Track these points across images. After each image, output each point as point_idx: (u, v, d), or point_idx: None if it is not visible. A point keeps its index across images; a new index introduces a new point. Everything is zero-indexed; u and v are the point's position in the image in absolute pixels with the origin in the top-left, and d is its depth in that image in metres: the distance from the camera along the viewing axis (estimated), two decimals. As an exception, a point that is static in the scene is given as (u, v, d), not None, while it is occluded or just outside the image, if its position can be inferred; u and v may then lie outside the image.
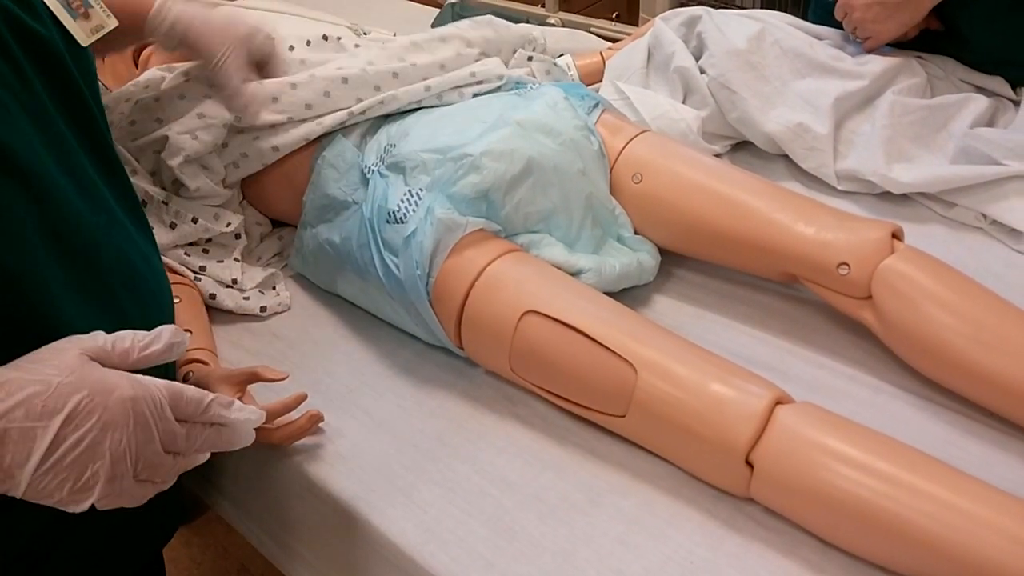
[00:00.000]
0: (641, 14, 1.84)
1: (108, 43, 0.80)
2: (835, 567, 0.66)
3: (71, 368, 0.49)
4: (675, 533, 0.71)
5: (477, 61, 1.05)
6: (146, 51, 1.08)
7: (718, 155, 1.14)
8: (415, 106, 0.99)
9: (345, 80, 0.97)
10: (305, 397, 0.79)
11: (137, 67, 1.09)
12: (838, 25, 1.16)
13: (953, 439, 0.75)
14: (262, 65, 0.91)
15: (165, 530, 0.81)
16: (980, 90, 1.11)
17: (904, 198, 1.02)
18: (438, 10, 1.64)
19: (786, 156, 1.10)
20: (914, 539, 0.61)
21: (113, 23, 0.68)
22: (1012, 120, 1.06)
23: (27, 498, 0.48)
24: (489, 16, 1.15)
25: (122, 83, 0.98)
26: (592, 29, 1.76)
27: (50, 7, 0.63)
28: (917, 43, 1.15)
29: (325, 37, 1.07)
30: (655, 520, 0.72)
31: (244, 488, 0.90)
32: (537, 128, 0.89)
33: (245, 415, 0.58)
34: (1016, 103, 1.09)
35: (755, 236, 0.86)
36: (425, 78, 1.00)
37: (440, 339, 0.85)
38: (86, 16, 0.66)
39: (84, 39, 0.65)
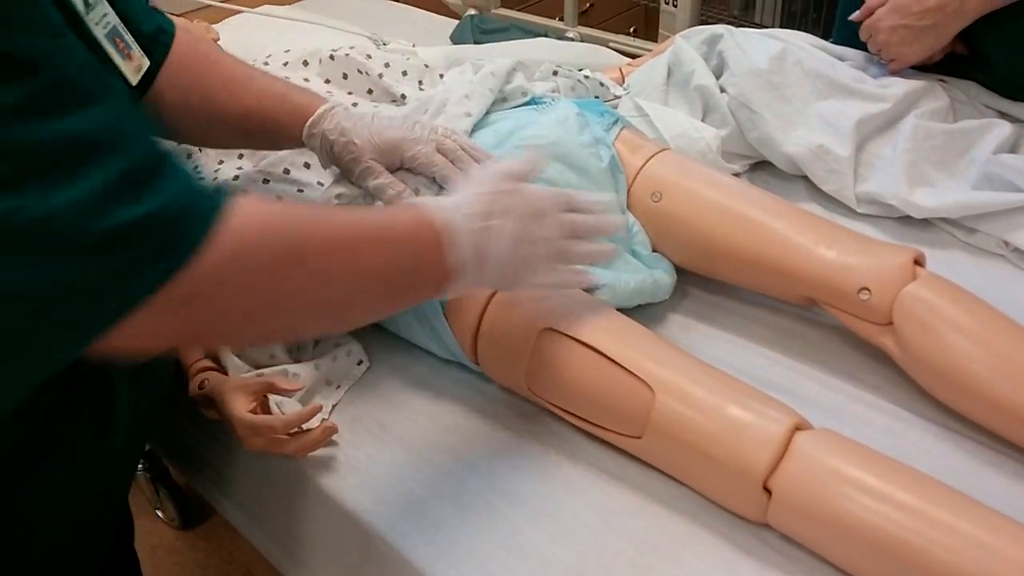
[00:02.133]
0: (660, 30, 1.84)
1: (267, 140, 0.82)
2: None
3: None
4: (689, 557, 0.70)
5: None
6: None
7: (737, 174, 1.13)
8: None
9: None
10: (320, 409, 0.79)
11: None
12: (862, 46, 1.16)
13: (974, 469, 0.74)
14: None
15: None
16: (1004, 116, 1.11)
17: (925, 223, 1.02)
18: (457, 21, 1.64)
19: (806, 177, 1.10)
20: (932, 571, 0.60)
21: (147, 62, 0.70)
22: (1034, 147, 1.05)
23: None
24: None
25: None
26: (611, 44, 1.77)
27: (106, 50, 0.64)
28: (941, 66, 1.14)
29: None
30: (669, 543, 0.71)
31: (253, 495, 0.89)
32: (543, 147, 0.89)
33: None
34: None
35: (774, 258, 0.85)
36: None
37: (455, 354, 0.85)
38: (129, 57, 0.67)
39: (133, 79, 0.67)
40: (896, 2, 1.08)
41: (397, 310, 0.73)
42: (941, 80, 1.14)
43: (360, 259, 0.59)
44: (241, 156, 0.97)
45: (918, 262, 0.81)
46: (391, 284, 0.62)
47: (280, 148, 0.89)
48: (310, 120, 0.82)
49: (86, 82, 0.47)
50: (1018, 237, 0.95)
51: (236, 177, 0.93)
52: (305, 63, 1.03)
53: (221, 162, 0.97)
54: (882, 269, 0.79)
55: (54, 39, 0.46)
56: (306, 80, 1.00)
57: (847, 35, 1.19)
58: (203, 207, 0.49)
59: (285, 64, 1.04)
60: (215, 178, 0.95)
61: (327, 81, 1.02)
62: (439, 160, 0.82)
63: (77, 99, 0.46)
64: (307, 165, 0.92)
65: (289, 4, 1.76)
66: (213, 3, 1.43)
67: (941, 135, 1.04)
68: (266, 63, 1.05)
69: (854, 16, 1.14)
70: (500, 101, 1.00)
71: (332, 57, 1.03)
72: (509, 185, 0.69)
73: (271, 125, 0.83)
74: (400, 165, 0.84)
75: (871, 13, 1.12)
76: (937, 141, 1.04)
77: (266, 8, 1.49)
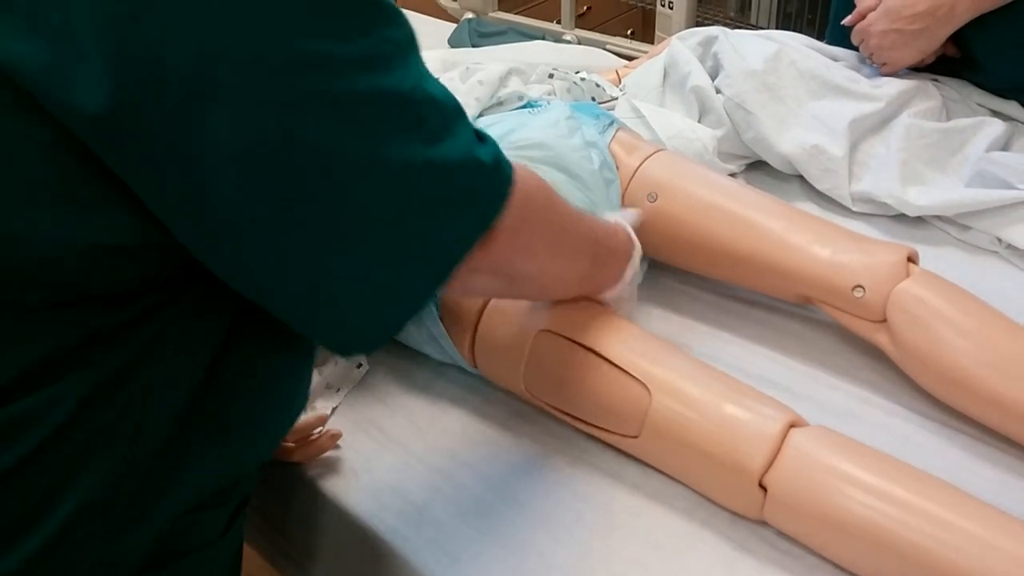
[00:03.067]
0: (657, 32, 1.85)
1: None
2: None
3: None
4: (689, 555, 0.70)
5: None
6: None
7: (733, 175, 1.14)
8: None
9: None
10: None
11: None
12: (855, 48, 1.17)
13: (968, 464, 0.75)
14: None
15: None
16: (996, 114, 1.11)
17: (919, 220, 1.02)
18: (454, 25, 1.65)
19: (801, 177, 1.10)
20: (929, 565, 0.61)
21: None
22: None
23: None
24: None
25: None
26: (608, 46, 1.78)
27: None
28: (933, 67, 1.15)
29: None
30: (669, 541, 0.72)
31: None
32: (532, 148, 0.90)
33: None
34: (1033, 127, 1.09)
35: (770, 257, 0.86)
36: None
37: (452, 357, 0.86)
38: None
39: None
40: (887, 7, 1.09)
41: (578, 293, 0.80)
42: (934, 79, 1.14)
43: (588, 233, 0.73)
44: None
45: (911, 260, 0.82)
46: (595, 262, 0.76)
47: None
48: None
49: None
50: (1011, 234, 0.96)
51: None
52: None
53: None
54: (876, 267, 0.80)
55: None
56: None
57: (840, 37, 1.20)
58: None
59: None
60: None
61: None
62: None
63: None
64: None
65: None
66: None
67: (934, 133, 1.05)
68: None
69: (846, 20, 1.15)
70: (496, 106, 1.01)
71: None
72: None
73: None
74: None
75: (862, 17, 1.12)
76: (930, 140, 1.05)
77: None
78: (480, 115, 0.99)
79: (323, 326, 0.55)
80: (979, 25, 1.05)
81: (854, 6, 1.14)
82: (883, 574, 0.64)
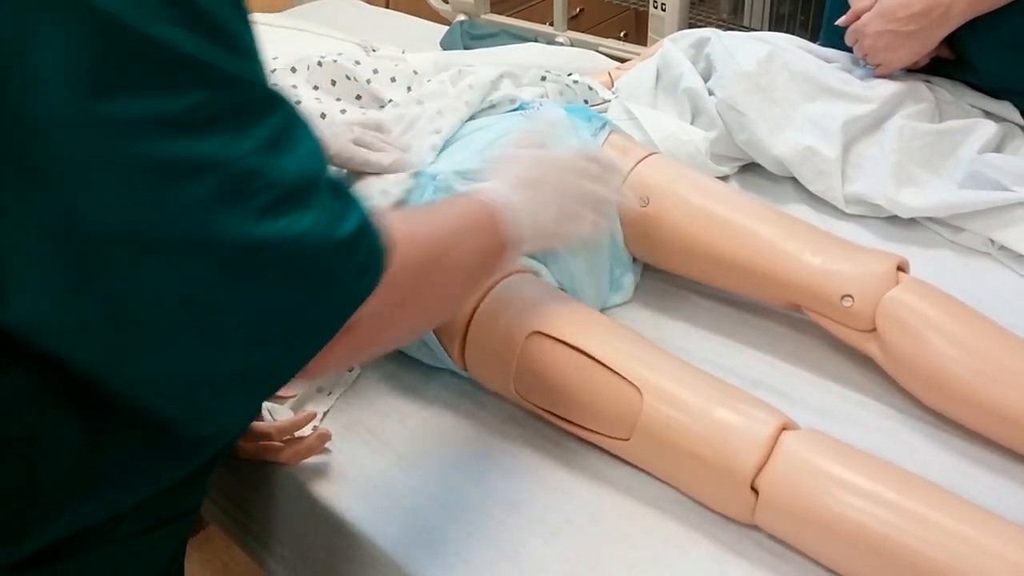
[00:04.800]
0: (650, 34, 1.84)
1: None
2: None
3: None
4: (680, 558, 0.70)
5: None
6: None
7: (726, 176, 1.14)
8: None
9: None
10: (314, 416, 0.79)
11: None
12: (849, 49, 1.17)
13: (961, 468, 0.75)
14: None
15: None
16: (989, 115, 1.11)
17: (912, 222, 1.02)
18: (447, 27, 1.65)
19: (794, 178, 1.10)
20: (920, 568, 0.61)
21: None
22: (1021, 146, 1.06)
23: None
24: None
25: None
26: (600, 48, 1.77)
27: None
28: (927, 68, 1.15)
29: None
30: (661, 545, 0.71)
31: (244, 504, 0.89)
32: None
33: None
34: (1024, 129, 1.09)
35: (760, 265, 0.86)
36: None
37: (443, 361, 0.85)
38: None
39: None
40: (882, 8, 1.09)
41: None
42: (927, 81, 1.14)
43: (465, 250, 0.65)
44: None
45: (901, 268, 0.82)
46: (481, 267, 0.69)
47: None
48: None
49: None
50: (1004, 235, 0.96)
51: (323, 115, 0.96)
52: (293, 69, 1.03)
53: None
54: (865, 276, 0.80)
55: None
56: (294, 87, 1.00)
57: (834, 39, 1.20)
58: (377, 219, 0.52)
59: (273, 71, 1.05)
60: None
61: (315, 87, 1.02)
62: (356, 150, 0.86)
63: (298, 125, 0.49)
64: None
65: (278, 12, 1.77)
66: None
67: (927, 135, 1.05)
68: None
69: (840, 20, 1.15)
70: (488, 109, 1.00)
71: (320, 63, 1.03)
72: (535, 152, 0.76)
73: None
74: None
75: (857, 18, 1.12)
76: (923, 141, 1.05)
77: (254, 16, 1.49)
78: (472, 118, 0.98)
79: (166, 411, 0.49)
80: (973, 27, 1.05)
81: (848, 7, 1.14)
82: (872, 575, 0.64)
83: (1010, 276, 0.95)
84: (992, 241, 0.97)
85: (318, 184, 0.48)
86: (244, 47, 0.46)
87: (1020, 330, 0.78)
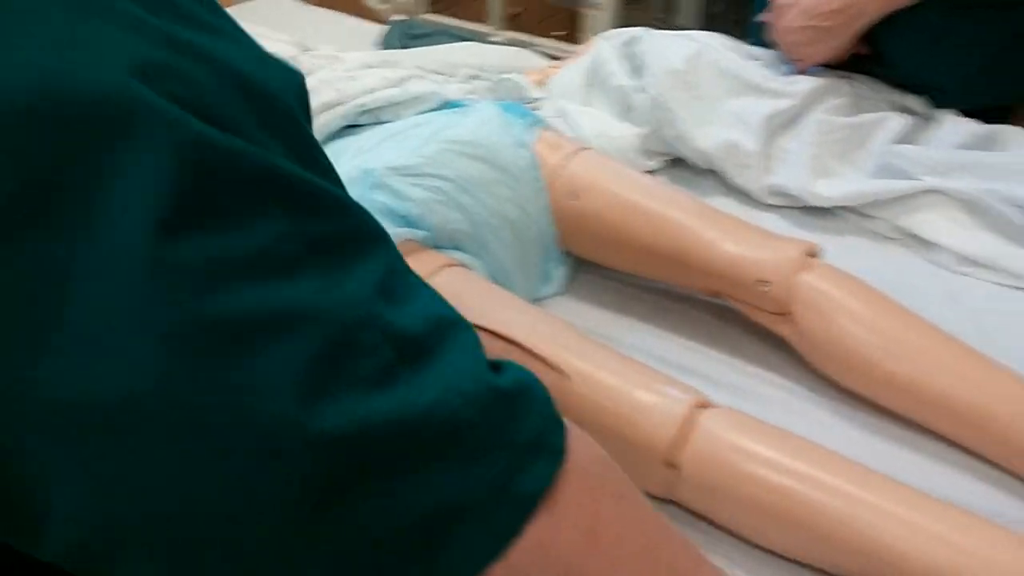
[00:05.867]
0: (584, 33, 1.88)
1: None
2: (753, 562, 0.70)
3: None
4: (607, 535, 0.73)
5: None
6: None
7: (655, 171, 1.17)
8: (351, 123, 1.01)
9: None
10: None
11: None
12: (771, 46, 1.22)
13: (867, 441, 0.79)
14: None
15: None
16: (905, 109, 1.17)
17: (827, 211, 1.07)
18: (384, 27, 1.67)
19: (717, 171, 1.15)
20: (824, 532, 0.65)
21: None
22: (929, 138, 1.12)
23: None
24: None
25: None
26: (536, 48, 1.81)
27: None
28: (847, 65, 1.20)
29: None
30: (588, 523, 0.74)
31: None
32: (464, 145, 0.92)
33: None
34: (932, 121, 1.15)
35: (683, 253, 0.90)
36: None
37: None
38: None
39: None
40: (802, 5, 1.14)
41: None
42: (846, 76, 1.20)
43: None
44: None
45: (813, 254, 0.86)
46: None
47: None
48: None
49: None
50: (911, 222, 1.01)
51: None
52: None
53: None
54: (779, 262, 0.84)
55: None
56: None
57: (761, 36, 1.25)
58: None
59: None
60: None
61: None
62: None
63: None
64: None
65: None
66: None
67: (842, 129, 1.10)
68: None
69: (762, 16, 1.20)
70: (413, 101, 1.03)
71: None
72: None
73: None
74: None
75: (779, 15, 1.17)
76: (839, 135, 1.10)
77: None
78: (383, 122, 1.01)
79: None
80: (890, 23, 1.11)
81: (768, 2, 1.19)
82: (785, 544, 0.68)
83: (916, 261, 1.00)
84: (901, 228, 1.03)
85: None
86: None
87: (925, 311, 0.83)
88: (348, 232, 0.34)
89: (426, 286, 0.37)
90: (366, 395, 0.31)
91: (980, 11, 1.11)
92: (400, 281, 0.35)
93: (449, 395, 0.33)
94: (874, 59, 1.18)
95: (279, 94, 0.35)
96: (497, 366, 0.37)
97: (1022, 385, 0.76)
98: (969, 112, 1.14)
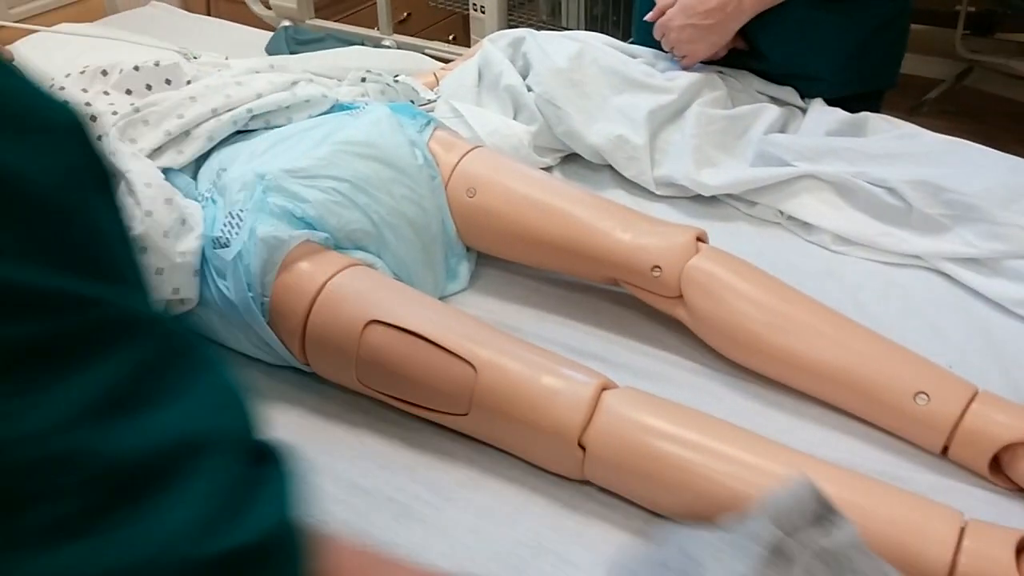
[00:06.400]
0: (472, 36, 1.91)
1: None
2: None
3: None
4: (523, 519, 0.75)
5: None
6: None
7: (549, 167, 1.21)
8: (243, 129, 1.00)
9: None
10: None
11: None
12: (656, 45, 1.27)
13: (758, 410, 0.84)
14: None
15: None
16: (774, 100, 1.24)
17: (713, 199, 1.13)
18: (271, 33, 1.65)
19: (610, 166, 1.19)
20: (722, 499, 0.69)
21: None
22: (800, 126, 1.19)
23: None
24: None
25: None
26: (426, 51, 1.82)
27: None
28: (726, 59, 1.26)
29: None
30: (505, 508, 0.76)
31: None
32: (358, 146, 0.93)
33: None
34: (803, 111, 1.23)
35: (579, 244, 0.93)
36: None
37: (284, 358, 0.87)
38: None
39: None
40: (683, 4, 1.19)
41: None
42: (719, 72, 1.26)
43: None
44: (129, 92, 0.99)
45: (700, 239, 0.91)
46: None
47: None
48: None
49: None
50: (790, 206, 1.08)
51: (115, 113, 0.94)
52: (104, 72, 1.02)
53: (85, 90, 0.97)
54: (669, 248, 0.89)
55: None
56: (106, 92, 0.99)
57: (644, 35, 1.30)
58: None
59: (82, 73, 1.02)
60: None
61: (128, 92, 1.01)
62: None
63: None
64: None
65: (92, 21, 1.71)
66: (6, 24, 1.37)
67: (721, 120, 1.16)
68: (66, 79, 1.03)
69: (647, 16, 1.24)
70: (304, 104, 1.03)
71: (137, 68, 1.02)
72: None
73: None
74: None
75: (662, 13, 1.22)
76: (718, 126, 1.16)
77: (64, 26, 1.43)
78: (275, 126, 1.01)
79: None
80: (762, 20, 1.18)
81: (654, 5, 1.24)
82: (688, 511, 0.72)
83: (796, 241, 1.07)
84: (781, 212, 1.09)
85: (197, 458, 0.29)
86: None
87: (806, 287, 0.88)
88: (71, 332, 0.27)
89: (204, 384, 0.31)
90: (26, 556, 0.24)
91: (842, 4, 1.19)
92: (153, 383, 0.29)
93: (142, 564, 0.26)
94: (750, 53, 1.25)
95: (25, 174, 0.28)
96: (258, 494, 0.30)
97: (892, 348, 0.82)
98: (834, 101, 1.22)
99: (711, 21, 1.18)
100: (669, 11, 1.21)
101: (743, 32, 1.21)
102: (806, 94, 1.25)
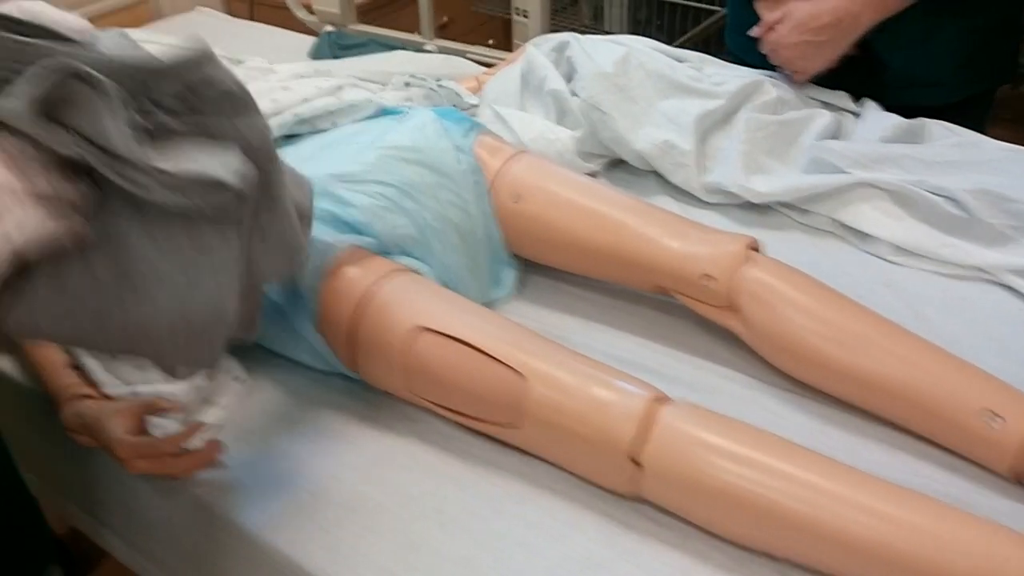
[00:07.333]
0: (514, 40, 1.89)
1: None
2: (721, 555, 0.71)
3: None
4: (573, 534, 0.74)
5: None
6: None
7: (594, 173, 1.19)
8: (288, 133, 1.00)
9: None
10: (203, 427, 0.79)
11: None
12: (755, 55, 1.21)
13: (817, 427, 0.82)
14: None
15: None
16: (826, 105, 1.21)
17: (765, 207, 1.10)
18: (314, 38, 1.65)
19: (657, 172, 1.17)
20: (787, 522, 0.66)
21: None
22: (853, 132, 1.16)
23: None
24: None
25: None
26: (468, 55, 1.81)
27: None
28: (841, 73, 1.18)
29: None
30: (554, 523, 0.75)
31: (138, 526, 0.88)
32: (404, 151, 0.92)
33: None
34: (856, 116, 1.19)
35: (627, 251, 0.91)
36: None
37: (332, 364, 0.86)
38: None
39: None
40: (796, 20, 1.13)
41: None
42: (769, 76, 1.23)
43: None
44: None
45: (753, 247, 0.88)
46: None
47: None
48: None
49: None
50: (846, 214, 1.05)
51: None
52: None
53: None
54: (720, 256, 0.86)
55: None
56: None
57: (742, 46, 1.25)
58: None
59: None
60: None
61: None
62: None
63: None
64: None
65: (141, 26, 1.72)
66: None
67: (772, 125, 1.13)
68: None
69: (753, 32, 1.18)
70: (349, 109, 1.02)
71: None
72: None
73: None
74: None
75: (769, 29, 1.17)
76: (768, 131, 1.13)
77: (119, 31, 1.44)
78: (321, 130, 1.00)
79: None
80: (881, 29, 1.10)
81: (749, 14, 1.19)
82: (748, 534, 0.70)
83: (853, 251, 1.04)
84: (835, 220, 1.06)
85: None
86: None
87: (863, 299, 0.86)
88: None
89: None
90: None
91: (962, 7, 1.12)
92: None
93: None
94: (868, 63, 1.18)
95: None
96: None
97: (958, 363, 0.79)
98: (950, 107, 1.16)
99: (824, 38, 1.13)
100: (780, 28, 1.15)
101: (860, 41, 1.15)
102: (926, 100, 1.19)
